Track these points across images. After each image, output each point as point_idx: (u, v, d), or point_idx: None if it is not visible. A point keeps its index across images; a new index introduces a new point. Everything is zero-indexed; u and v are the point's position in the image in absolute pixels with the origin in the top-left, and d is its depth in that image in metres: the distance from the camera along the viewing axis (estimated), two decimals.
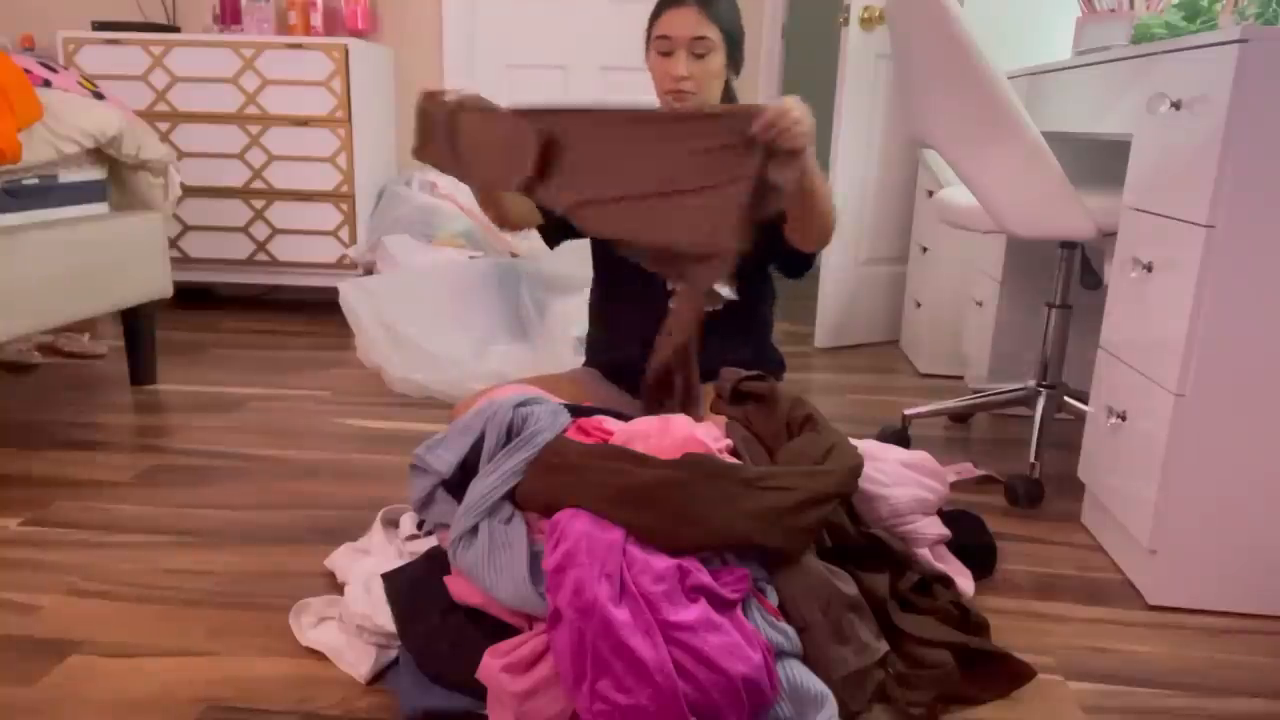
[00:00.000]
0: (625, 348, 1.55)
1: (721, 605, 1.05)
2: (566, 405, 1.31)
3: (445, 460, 1.23)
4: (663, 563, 1.05)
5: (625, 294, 1.62)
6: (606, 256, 1.65)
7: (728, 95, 1.62)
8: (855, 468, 1.20)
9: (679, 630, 0.99)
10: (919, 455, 1.42)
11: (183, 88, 2.98)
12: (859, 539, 1.24)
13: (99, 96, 2.12)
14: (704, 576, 1.05)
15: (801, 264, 1.58)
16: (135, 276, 2.16)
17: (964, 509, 1.56)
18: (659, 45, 1.50)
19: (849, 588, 1.12)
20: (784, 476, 1.14)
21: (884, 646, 1.10)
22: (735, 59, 1.55)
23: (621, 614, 0.99)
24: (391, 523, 1.48)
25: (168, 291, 2.28)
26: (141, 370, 2.32)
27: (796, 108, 1.21)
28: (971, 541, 1.45)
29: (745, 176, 1.23)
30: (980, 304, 2.35)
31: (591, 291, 1.72)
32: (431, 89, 1.41)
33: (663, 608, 1.01)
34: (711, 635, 1.00)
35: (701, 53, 1.48)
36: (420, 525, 1.39)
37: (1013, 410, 2.18)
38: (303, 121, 2.98)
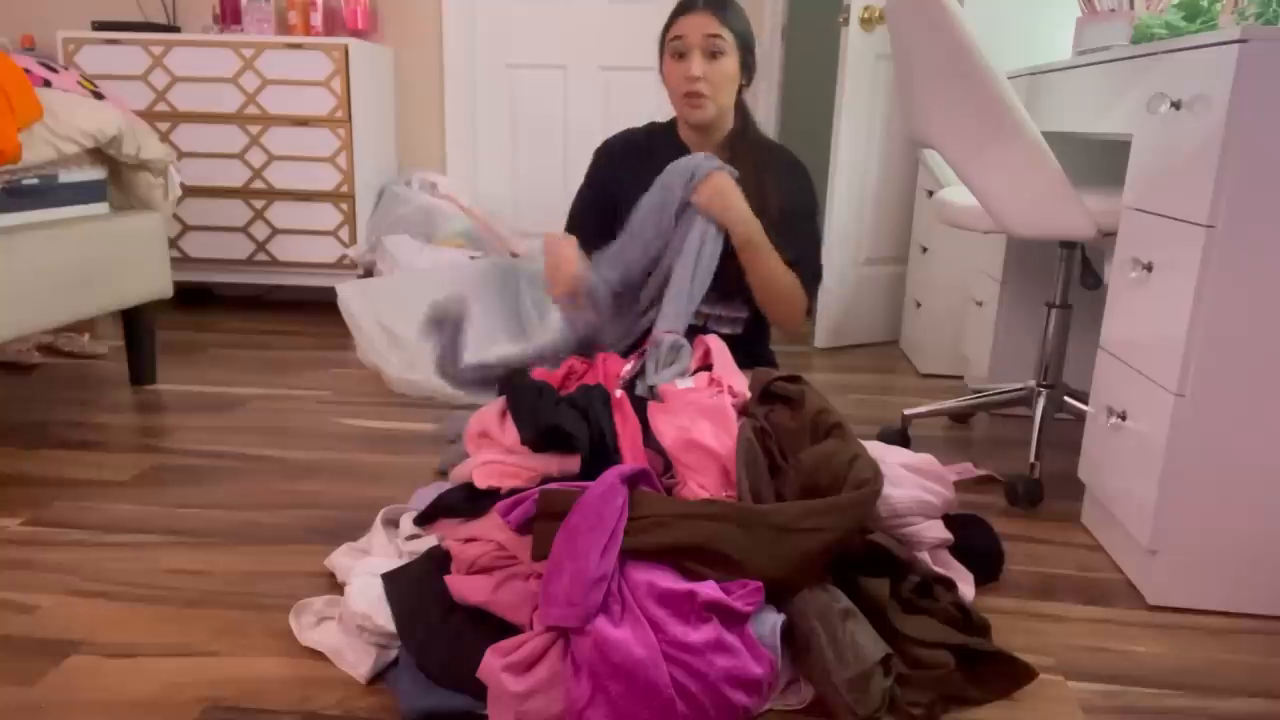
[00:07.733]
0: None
1: (734, 619, 1.05)
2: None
3: None
4: (668, 582, 1.06)
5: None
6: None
7: (740, 109, 1.62)
8: (877, 492, 1.20)
9: (684, 651, 1.00)
10: (924, 458, 1.41)
11: (183, 88, 2.98)
12: (860, 547, 1.24)
13: (99, 96, 2.12)
14: (714, 591, 1.06)
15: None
16: (135, 276, 2.16)
17: (974, 514, 1.55)
18: (673, 47, 1.50)
19: (840, 602, 1.13)
20: (814, 515, 1.14)
21: (884, 648, 1.10)
22: (748, 65, 1.56)
23: (621, 633, 0.99)
24: (391, 523, 1.48)
25: (168, 291, 2.28)
26: (141, 370, 2.32)
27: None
28: (980, 548, 1.43)
29: None
30: (980, 304, 2.34)
31: None
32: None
33: (669, 626, 1.01)
34: (719, 659, 1.00)
35: (716, 51, 1.48)
36: (420, 524, 1.39)
37: (1013, 410, 2.18)
38: (303, 121, 2.98)
